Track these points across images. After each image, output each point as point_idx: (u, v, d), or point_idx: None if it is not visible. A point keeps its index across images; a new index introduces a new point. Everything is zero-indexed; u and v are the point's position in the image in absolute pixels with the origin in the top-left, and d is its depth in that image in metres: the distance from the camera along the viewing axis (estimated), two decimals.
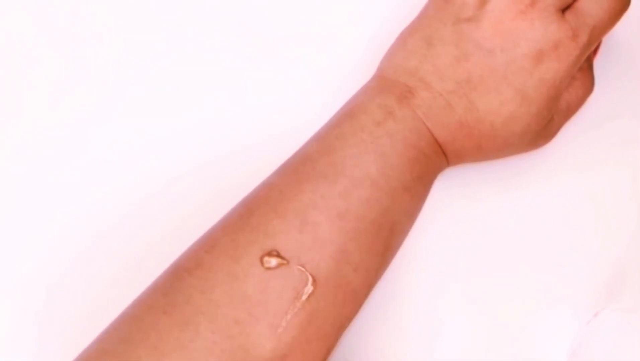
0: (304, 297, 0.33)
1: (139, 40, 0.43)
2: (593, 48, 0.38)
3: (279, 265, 0.33)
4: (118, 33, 0.43)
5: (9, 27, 0.43)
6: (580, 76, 0.39)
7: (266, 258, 0.33)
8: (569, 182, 0.43)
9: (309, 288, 0.33)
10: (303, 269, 0.33)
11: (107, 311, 0.35)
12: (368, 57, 0.41)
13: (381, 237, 0.35)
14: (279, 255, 0.33)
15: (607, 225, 0.42)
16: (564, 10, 0.36)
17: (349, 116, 0.37)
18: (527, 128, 0.37)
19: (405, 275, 0.41)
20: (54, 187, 0.42)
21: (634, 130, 0.43)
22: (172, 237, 0.38)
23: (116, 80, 0.43)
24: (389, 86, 0.37)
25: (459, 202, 0.42)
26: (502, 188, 0.42)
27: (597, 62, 0.41)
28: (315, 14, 0.43)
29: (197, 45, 0.43)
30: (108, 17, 0.43)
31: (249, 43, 0.43)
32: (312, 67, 0.43)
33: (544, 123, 0.38)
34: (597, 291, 0.42)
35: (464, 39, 0.36)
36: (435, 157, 0.37)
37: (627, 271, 0.42)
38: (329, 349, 0.35)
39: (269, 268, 0.33)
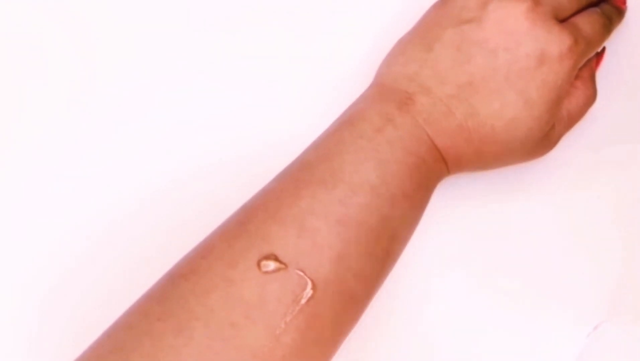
0: (303, 301, 0.32)
1: (140, 45, 0.43)
2: (587, 58, 0.38)
3: (277, 269, 0.33)
4: (121, 37, 0.43)
5: (11, 27, 0.42)
6: (582, 86, 0.39)
7: (264, 262, 0.33)
8: (568, 193, 0.43)
9: (309, 292, 0.33)
10: (302, 273, 0.33)
11: (102, 317, 0.34)
12: (368, 64, 0.41)
13: (381, 244, 0.35)
14: (276, 259, 0.33)
15: (607, 237, 0.42)
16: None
17: (348, 123, 0.37)
18: (529, 133, 0.37)
19: (405, 283, 0.41)
20: (54, 192, 0.41)
21: (636, 139, 0.43)
22: (169, 243, 0.37)
23: (116, 85, 0.42)
24: (389, 93, 0.37)
25: (459, 212, 0.42)
26: (503, 199, 0.42)
27: (599, 73, 0.41)
28: (313, 21, 0.43)
29: (198, 54, 0.43)
30: (112, 18, 0.43)
31: (249, 49, 0.43)
32: (311, 74, 0.43)
33: (546, 130, 0.37)
34: (597, 303, 0.41)
35: (466, 40, 0.36)
36: (435, 164, 0.37)
37: (627, 283, 0.42)
38: (329, 355, 0.34)
39: (266, 272, 0.33)
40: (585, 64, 0.39)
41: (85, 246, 0.41)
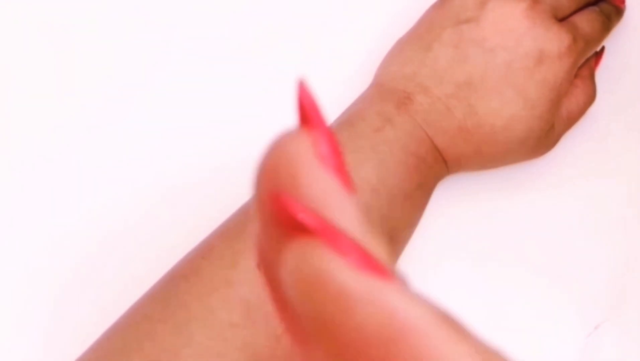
0: None
1: (141, 46, 0.43)
2: (586, 57, 0.39)
3: None
4: (122, 36, 0.43)
5: (9, 27, 0.42)
6: (581, 84, 0.39)
7: None
8: (568, 193, 0.42)
9: None
10: None
11: (103, 318, 0.34)
12: (368, 64, 0.41)
13: None
14: None
15: (607, 237, 0.42)
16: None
17: (347, 124, 0.36)
18: (529, 132, 0.37)
19: None
20: (55, 193, 0.41)
21: (636, 139, 0.43)
22: (169, 244, 0.37)
23: (117, 86, 0.42)
24: (387, 93, 0.37)
25: (459, 212, 0.42)
26: (503, 199, 0.42)
27: (599, 72, 0.41)
28: (313, 22, 0.43)
29: (197, 55, 0.43)
30: (113, 17, 0.43)
31: (247, 50, 0.43)
32: (311, 74, 0.43)
33: (546, 129, 0.37)
34: (598, 303, 0.41)
35: (464, 39, 0.36)
36: (434, 163, 0.37)
37: (627, 284, 0.42)
38: None
39: None
40: (585, 63, 0.39)
41: (86, 247, 0.40)
